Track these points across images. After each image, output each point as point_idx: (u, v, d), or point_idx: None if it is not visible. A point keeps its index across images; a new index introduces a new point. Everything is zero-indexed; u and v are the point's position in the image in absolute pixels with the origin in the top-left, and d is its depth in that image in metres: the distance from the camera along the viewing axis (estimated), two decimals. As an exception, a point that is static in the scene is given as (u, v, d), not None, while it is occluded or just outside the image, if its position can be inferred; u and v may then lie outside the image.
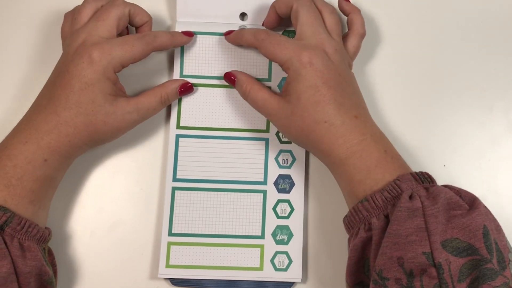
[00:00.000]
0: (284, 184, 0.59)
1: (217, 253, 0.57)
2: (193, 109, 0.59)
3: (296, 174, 0.59)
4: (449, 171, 0.60)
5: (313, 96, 0.51)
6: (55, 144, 0.51)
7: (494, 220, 0.47)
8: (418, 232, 0.45)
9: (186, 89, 0.58)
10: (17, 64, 0.61)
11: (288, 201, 0.58)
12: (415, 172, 0.50)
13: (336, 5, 0.59)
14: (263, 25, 0.60)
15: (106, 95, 0.52)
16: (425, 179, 0.49)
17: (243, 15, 0.61)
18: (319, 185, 0.60)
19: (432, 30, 0.63)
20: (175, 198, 0.58)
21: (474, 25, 0.63)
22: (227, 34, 0.59)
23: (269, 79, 0.60)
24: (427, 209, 0.46)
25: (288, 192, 0.59)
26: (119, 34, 0.56)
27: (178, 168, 0.58)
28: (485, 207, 0.47)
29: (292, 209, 0.58)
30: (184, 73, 0.59)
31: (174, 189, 0.58)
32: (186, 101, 0.59)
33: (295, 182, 0.59)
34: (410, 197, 0.47)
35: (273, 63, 0.60)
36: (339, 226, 0.59)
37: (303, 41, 0.53)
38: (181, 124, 0.59)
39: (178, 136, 0.59)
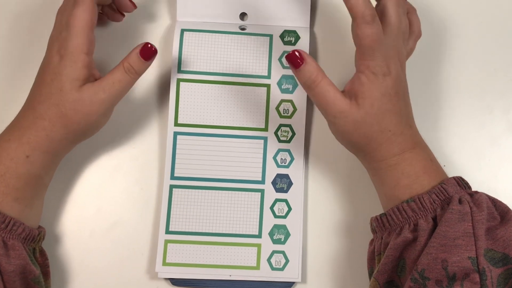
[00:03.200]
0: (282, 183, 0.59)
1: (214, 252, 0.57)
2: (191, 106, 0.59)
3: (294, 173, 0.59)
4: (449, 171, 0.60)
5: (386, 104, 0.50)
6: (34, 139, 0.51)
7: None
8: (465, 236, 0.47)
9: (148, 52, 0.53)
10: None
11: (285, 201, 0.58)
12: (457, 177, 0.51)
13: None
14: None
15: (73, 81, 0.51)
16: (465, 185, 0.51)
17: (243, 15, 0.61)
18: (317, 184, 0.59)
19: (431, 29, 0.63)
20: (173, 196, 0.58)
21: (474, 25, 0.63)
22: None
23: (269, 77, 0.60)
24: (476, 215, 0.47)
25: (286, 191, 0.59)
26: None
27: (176, 166, 0.58)
28: None
29: (290, 209, 0.58)
30: (182, 69, 0.59)
31: (171, 187, 0.58)
32: (184, 98, 0.59)
33: (293, 182, 0.59)
34: (460, 200, 0.48)
35: (272, 61, 0.60)
36: (337, 226, 0.59)
37: (387, 42, 0.50)
38: (179, 121, 0.59)
39: (176, 134, 0.59)
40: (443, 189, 0.49)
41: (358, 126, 0.50)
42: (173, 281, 0.57)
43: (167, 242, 0.57)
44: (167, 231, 0.57)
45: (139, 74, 0.54)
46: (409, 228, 0.49)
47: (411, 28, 0.56)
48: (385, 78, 0.50)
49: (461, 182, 0.50)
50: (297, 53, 0.50)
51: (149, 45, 0.53)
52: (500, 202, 0.50)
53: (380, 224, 0.52)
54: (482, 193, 0.51)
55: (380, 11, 0.52)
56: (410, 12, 0.56)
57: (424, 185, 0.50)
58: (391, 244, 0.50)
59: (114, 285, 0.58)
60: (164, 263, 0.57)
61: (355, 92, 0.50)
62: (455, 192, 0.49)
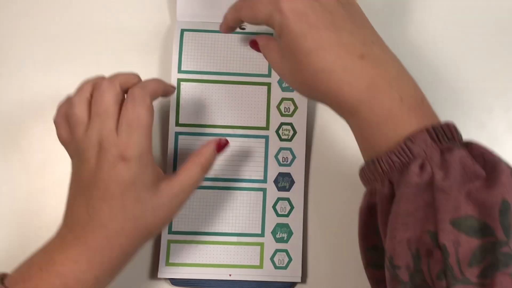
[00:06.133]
0: (284, 182, 0.58)
1: (217, 251, 0.57)
2: (192, 106, 0.59)
3: (296, 172, 0.59)
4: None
5: (303, 45, 0.43)
6: (108, 260, 0.46)
7: None
8: (426, 207, 0.39)
9: (222, 146, 0.52)
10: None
11: (288, 199, 0.58)
12: (435, 126, 0.41)
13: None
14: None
15: (149, 187, 0.46)
16: (444, 136, 0.41)
17: (242, 15, 0.62)
18: (319, 183, 0.59)
19: (431, 29, 0.63)
20: None
21: (473, 24, 0.63)
22: (220, 27, 0.54)
23: (269, 75, 0.60)
24: (438, 183, 0.39)
25: (288, 190, 0.58)
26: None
27: (178, 166, 0.58)
28: (510, 174, 0.39)
29: (292, 207, 0.58)
30: (182, 69, 0.59)
31: None
32: (185, 98, 0.59)
33: (295, 180, 0.59)
34: (421, 165, 0.40)
35: None
36: (339, 225, 0.59)
37: None
38: (180, 122, 0.59)
39: (177, 134, 0.58)
40: (407, 148, 0.41)
41: (293, 76, 0.46)
42: (173, 281, 0.57)
43: (170, 242, 0.57)
44: (170, 231, 0.57)
45: (212, 167, 0.51)
46: (370, 192, 0.44)
47: None
48: (289, 19, 0.44)
49: (436, 134, 0.41)
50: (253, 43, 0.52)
51: (223, 141, 0.52)
52: (491, 154, 0.40)
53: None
54: (466, 142, 0.42)
55: None
56: None
57: (389, 138, 0.42)
58: (359, 208, 0.46)
59: (114, 285, 0.57)
60: (168, 263, 0.57)
61: (280, 47, 0.47)
62: (420, 152, 0.40)
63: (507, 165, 0.39)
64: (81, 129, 0.47)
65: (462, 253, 0.38)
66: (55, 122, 0.50)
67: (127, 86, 0.49)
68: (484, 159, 0.40)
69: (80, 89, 0.49)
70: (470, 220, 0.38)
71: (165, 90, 0.52)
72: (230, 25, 0.53)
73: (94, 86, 0.49)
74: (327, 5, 0.44)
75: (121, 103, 0.48)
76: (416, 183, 0.40)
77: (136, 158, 0.46)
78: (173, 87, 0.54)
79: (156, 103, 0.60)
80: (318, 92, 0.44)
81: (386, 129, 0.42)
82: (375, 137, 0.43)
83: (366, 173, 0.44)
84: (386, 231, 0.42)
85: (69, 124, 0.49)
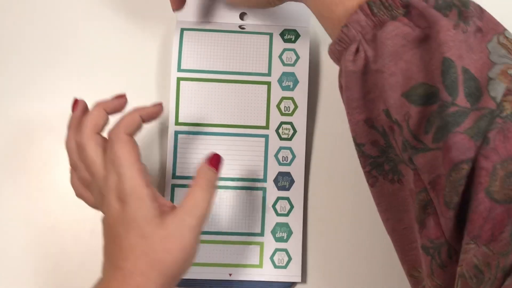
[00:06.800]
0: (283, 181, 0.58)
1: (217, 250, 0.57)
2: (191, 105, 0.59)
3: (296, 171, 0.59)
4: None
5: None
6: None
7: (466, 39, 0.37)
8: (375, 88, 0.39)
9: (214, 160, 0.49)
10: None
11: (287, 199, 0.58)
12: (370, 1, 0.40)
13: None
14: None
15: (152, 221, 0.45)
16: (380, 7, 0.40)
17: (242, 15, 0.61)
18: (319, 182, 0.59)
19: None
20: (175, 195, 0.58)
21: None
22: None
23: (269, 74, 0.60)
24: (372, 65, 0.39)
25: (288, 189, 0.58)
26: None
27: (177, 165, 0.58)
28: (451, 28, 0.37)
29: (292, 207, 0.58)
30: (182, 67, 0.59)
31: (173, 186, 0.58)
32: (184, 96, 0.59)
33: (295, 180, 0.59)
34: (357, 50, 0.40)
35: (273, 58, 0.60)
36: (339, 224, 0.59)
37: None
38: (180, 120, 0.59)
39: (176, 133, 0.58)
40: (344, 34, 0.40)
41: None
42: (173, 281, 0.57)
43: (169, 241, 0.57)
44: (169, 230, 0.57)
45: (216, 185, 0.49)
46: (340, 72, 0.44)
47: None
48: None
49: (371, 7, 0.39)
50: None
51: (213, 155, 0.49)
52: (432, 11, 0.38)
53: None
54: (413, 3, 0.39)
55: None
56: None
57: (338, 18, 0.42)
58: None
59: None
60: (166, 262, 0.56)
61: None
62: (355, 36, 0.40)
63: (448, 20, 0.38)
64: (99, 182, 0.47)
65: (413, 124, 0.37)
66: (70, 170, 0.51)
67: (146, 120, 0.50)
68: (425, 18, 0.38)
69: (68, 154, 0.50)
70: (419, 88, 0.37)
71: (147, 115, 0.50)
72: None
73: (78, 146, 0.48)
74: None
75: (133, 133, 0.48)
76: (352, 71, 0.40)
77: (130, 195, 0.45)
78: (158, 107, 0.51)
79: (155, 101, 0.60)
80: None
81: (336, 9, 0.42)
82: (328, 19, 0.43)
83: (331, 56, 0.44)
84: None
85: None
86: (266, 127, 0.59)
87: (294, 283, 0.58)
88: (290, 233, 0.58)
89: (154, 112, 0.51)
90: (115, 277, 0.45)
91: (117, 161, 0.45)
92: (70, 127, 0.50)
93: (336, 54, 0.43)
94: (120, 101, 0.51)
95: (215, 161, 0.49)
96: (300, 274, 0.57)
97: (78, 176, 0.50)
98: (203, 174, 0.48)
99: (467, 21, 0.38)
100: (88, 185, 0.49)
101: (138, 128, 0.49)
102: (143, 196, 0.45)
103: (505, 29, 0.39)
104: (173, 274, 0.45)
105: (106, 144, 0.48)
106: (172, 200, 0.57)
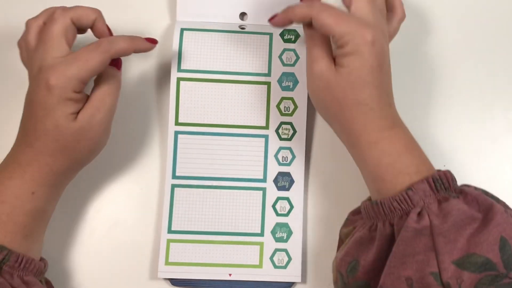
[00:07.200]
0: (283, 181, 0.58)
1: (217, 251, 0.57)
2: (191, 105, 0.59)
3: (296, 171, 0.59)
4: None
5: (366, 76, 0.48)
6: (38, 175, 0.49)
7: None
8: (426, 251, 0.44)
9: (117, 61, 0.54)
10: None
11: (287, 199, 0.58)
12: (434, 176, 0.47)
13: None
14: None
15: (68, 116, 0.49)
16: (441, 185, 0.47)
17: (243, 15, 0.62)
18: (318, 182, 0.59)
19: (431, 29, 0.63)
20: (174, 195, 0.58)
21: (473, 24, 0.63)
22: (272, 19, 0.53)
23: (269, 74, 0.60)
24: (436, 228, 0.45)
25: (288, 189, 0.58)
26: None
27: (177, 165, 0.58)
28: (504, 212, 0.45)
29: (292, 207, 0.58)
30: (181, 68, 0.59)
31: (173, 186, 0.58)
32: (184, 96, 0.59)
33: (294, 180, 0.59)
34: (420, 213, 0.46)
35: (273, 59, 0.60)
36: (339, 224, 0.59)
37: (362, 18, 0.49)
38: (180, 121, 0.59)
39: (176, 133, 0.58)
40: (408, 196, 0.46)
41: (331, 88, 0.49)
42: (173, 281, 0.57)
43: (169, 241, 0.57)
44: (169, 231, 0.57)
45: (120, 74, 0.54)
46: (370, 226, 0.49)
47: (393, 9, 0.55)
48: (368, 49, 0.48)
49: (434, 184, 0.47)
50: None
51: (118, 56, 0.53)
52: (485, 198, 0.46)
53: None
54: (462, 186, 0.48)
55: None
56: None
57: (407, 164, 0.48)
58: (352, 237, 0.50)
59: (114, 285, 0.57)
60: (167, 263, 0.57)
61: (337, 61, 0.49)
62: (419, 201, 0.46)
63: (500, 204, 0.46)
64: (30, 52, 0.51)
65: (465, 287, 0.43)
66: (18, 45, 0.54)
67: (81, 21, 0.52)
68: (478, 203, 0.46)
69: (36, 16, 0.53)
70: (472, 258, 0.43)
71: (137, 47, 0.53)
72: (291, 21, 0.52)
73: (48, 15, 0.52)
74: (388, 54, 0.51)
75: (71, 36, 0.52)
76: (414, 228, 0.45)
77: (59, 89, 0.48)
78: (151, 42, 0.55)
79: (155, 101, 0.60)
80: (347, 117, 0.49)
81: (406, 158, 0.48)
82: (395, 165, 0.48)
83: (369, 210, 0.49)
84: (377, 264, 0.47)
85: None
86: (266, 127, 0.59)
87: (294, 283, 0.58)
88: (290, 233, 0.58)
89: (144, 47, 0.54)
90: (25, 152, 0.50)
91: (79, 62, 0.49)
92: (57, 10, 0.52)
93: (385, 208, 0.47)
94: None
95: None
96: (300, 274, 0.57)
97: (23, 38, 0.52)
98: (109, 70, 0.52)
99: (510, 208, 0.47)
100: (27, 49, 0.52)
101: (125, 53, 0.52)
102: (71, 97, 0.49)
103: None
104: (78, 160, 0.52)
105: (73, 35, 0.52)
106: (172, 200, 0.57)
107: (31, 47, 0.51)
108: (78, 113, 0.50)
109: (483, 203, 0.46)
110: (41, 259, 0.52)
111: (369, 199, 0.51)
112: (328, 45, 0.51)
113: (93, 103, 0.51)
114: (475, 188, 0.48)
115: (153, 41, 0.55)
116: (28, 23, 0.52)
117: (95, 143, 0.52)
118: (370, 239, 0.49)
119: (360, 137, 0.49)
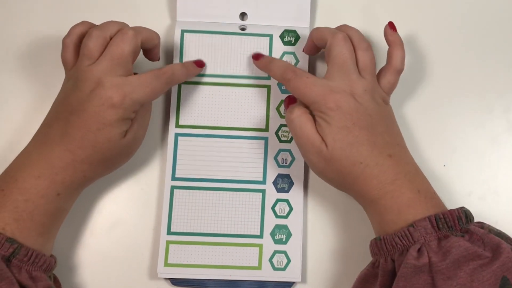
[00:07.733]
0: (283, 183, 0.59)
1: (216, 252, 0.57)
2: (192, 108, 0.59)
3: (295, 173, 0.59)
4: (449, 171, 0.60)
5: (347, 137, 0.50)
6: (70, 179, 0.50)
7: None
8: (425, 287, 0.45)
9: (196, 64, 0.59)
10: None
11: (287, 201, 0.58)
12: (437, 215, 0.48)
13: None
14: (303, 51, 0.59)
15: (122, 133, 0.51)
16: (444, 224, 0.48)
17: (243, 15, 0.61)
18: (318, 184, 0.59)
19: (431, 30, 0.63)
20: (174, 197, 0.58)
21: (473, 25, 0.63)
22: (256, 58, 0.59)
23: (269, 78, 0.60)
24: (434, 266, 0.45)
25: (287, 191, 0.59)
26: None
27: (177, 167, 0.58)
28: (510, 252, 0.45)
29: (291, 209, 0.58)
30: None
31: (173, 188, 0.58)
32: (185, 99, 0.59)
33: (294, 182, 0.59)
34: (419, 250, 0.47)
35: None
36: (338, 226, 0.59)
37: (330, 83, 0.51)
38: (180, 123, 0.59)
39: (177, 135, 0.59)
40: (409, 233, 0.47)
41: (330, 163, 0.51)
42: (173, 281, 0.57)
43: (168, 243, 0.57)
44: (169, 232, 0.57)
45: (171, 83, 0.55)
46: (374, 263, 0.50)
47: (389, 61, 0.55)
48: (335, 113, 0.50)
49: (436, 223, 0.48)
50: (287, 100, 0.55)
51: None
52: (492, 237, 0.47)
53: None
54: (477, 222, 0.49)
55: (327, 53, 0.54)
56: (393, 45, 0.55)
57: (409, 220, 0.48)
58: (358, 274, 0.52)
59: (114, 285, 0.58)
60: (166, 264, 0.57)
61: (319, 131, 0.51)
62: (419, 238, 0.47)
63: (507, 243, 0.46)
64: (88, 62, 0.51)
65: None
66: (64, 43, 0.54)
67: (146, 44, 0.54)
68: (483, 242, 0.46)
69: (104, 26, 0.53)
70: None
71: (190, 76, 0.58)
72: (267, 72, 0.59)
73: (119, 30, 0.53)
74: (367, 109, 0.51)
75: (136, 57, 0.53)
76: (413, 264, 0.46)
77: (122, 110, 0.50)
78: (200, 66, 0.59)
79: (156, 103, 0.60)
80: (349, 181, 0.51)
81: (407, 215, 0.49)
82: (397, 222, 0.49)
83: (373, 247, 0.51)
84: None
85: (77, 50, 0.53)
86: (266, 129, 0.59)
87: (294, 283, 0.58)
88: (289, 235, 0.58)
89: (195, 74, 0.59)
90: (62, 157, 0.50)
91: (137, 78, 0.51)
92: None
93: (387, 244, 0.49)
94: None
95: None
96: (299, 276, 0.57)
97: (85, 43, 0.52)
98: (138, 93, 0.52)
99: None
100: (87, 58, 0.52)
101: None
102: (131, 118, 0.52)
103: None
104: (113, 169, 0.55)
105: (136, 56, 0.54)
106: (171, 202, 0.58)
107: (93, 57, 0.51)
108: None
109: (489, 242, 0.46)
110: (51, 256, 0.52)
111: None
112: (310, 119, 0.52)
113: (138, 121, 0.53)
114: (489, 229, 0.48)
115: (201, 65, 0.59)
116: (93, 33, 0.52)
117: (132, 155, 0.55)
118: (374, 276, 0.50)
119: (363, 196, 0.51)
